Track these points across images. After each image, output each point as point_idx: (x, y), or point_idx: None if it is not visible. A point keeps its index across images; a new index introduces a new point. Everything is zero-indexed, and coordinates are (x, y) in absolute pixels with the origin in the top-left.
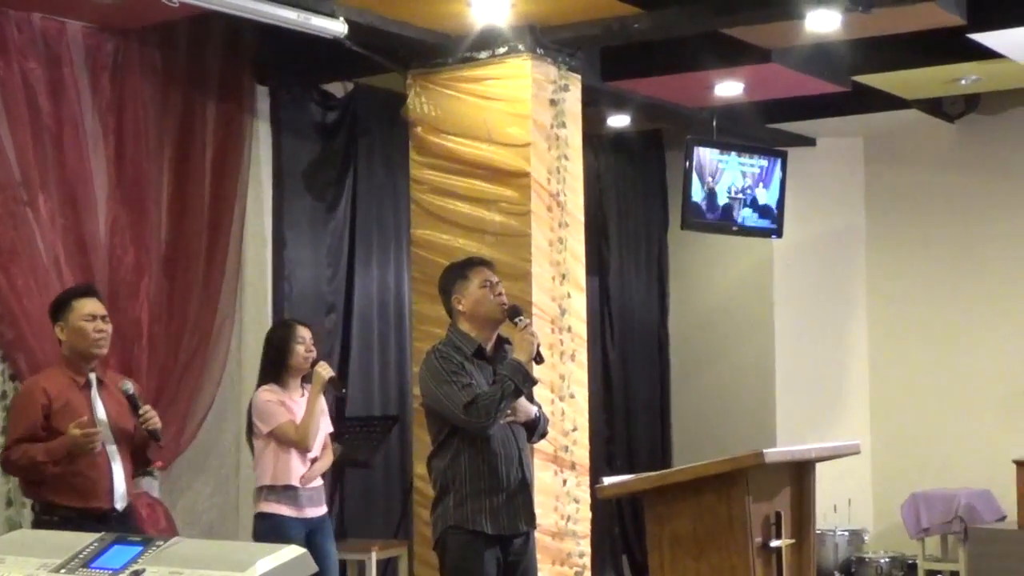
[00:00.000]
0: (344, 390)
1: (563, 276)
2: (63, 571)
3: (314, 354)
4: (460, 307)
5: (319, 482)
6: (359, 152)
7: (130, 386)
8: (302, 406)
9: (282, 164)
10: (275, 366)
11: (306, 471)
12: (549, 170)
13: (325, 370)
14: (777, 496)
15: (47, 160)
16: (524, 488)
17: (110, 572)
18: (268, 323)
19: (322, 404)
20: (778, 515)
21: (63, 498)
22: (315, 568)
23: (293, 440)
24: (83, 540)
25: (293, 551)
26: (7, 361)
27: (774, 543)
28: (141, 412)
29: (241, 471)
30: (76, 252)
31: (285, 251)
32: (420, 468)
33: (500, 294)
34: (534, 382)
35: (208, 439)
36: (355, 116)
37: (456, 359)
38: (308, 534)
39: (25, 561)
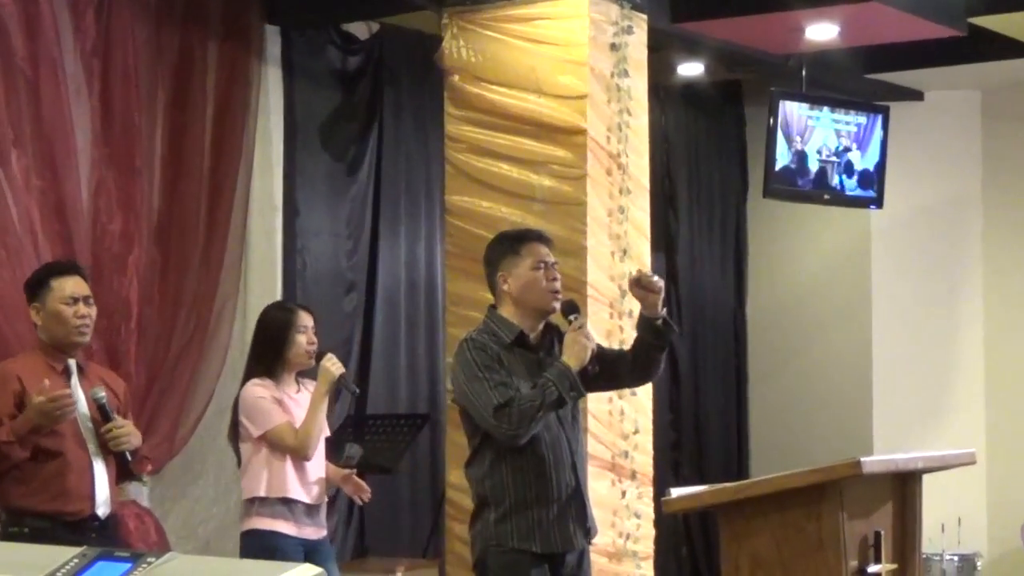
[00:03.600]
0: (356, 390)
1: (624, 251)
2: None
3: (316, 346)
4: (505, 287)
5: (323, 499)
6: (385, 104)
7: (102, 395)
8: (301, 403)
9: (295, 118)
10: (268, 356)
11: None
12: (609, 127)
13: (334, 365)
14: (876, 513)
15: (21, 110)
16: (578, 496)
17: None
18: None
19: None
20: (877, 535)
21: (34, 502)
22: None
23: (291, 446)
24: (61, 555)
25: (308, 570)
26: None
27: (872, 568)
28: (106, 427)
29: None
30: (54, 219)
31: (298, 220)
32: (455, 476)
33: (555, 279)
34: (582, 393)
35: (206, 440)
36: (381, 62)
37: (492, 349)
38: (305, 556)
39: None
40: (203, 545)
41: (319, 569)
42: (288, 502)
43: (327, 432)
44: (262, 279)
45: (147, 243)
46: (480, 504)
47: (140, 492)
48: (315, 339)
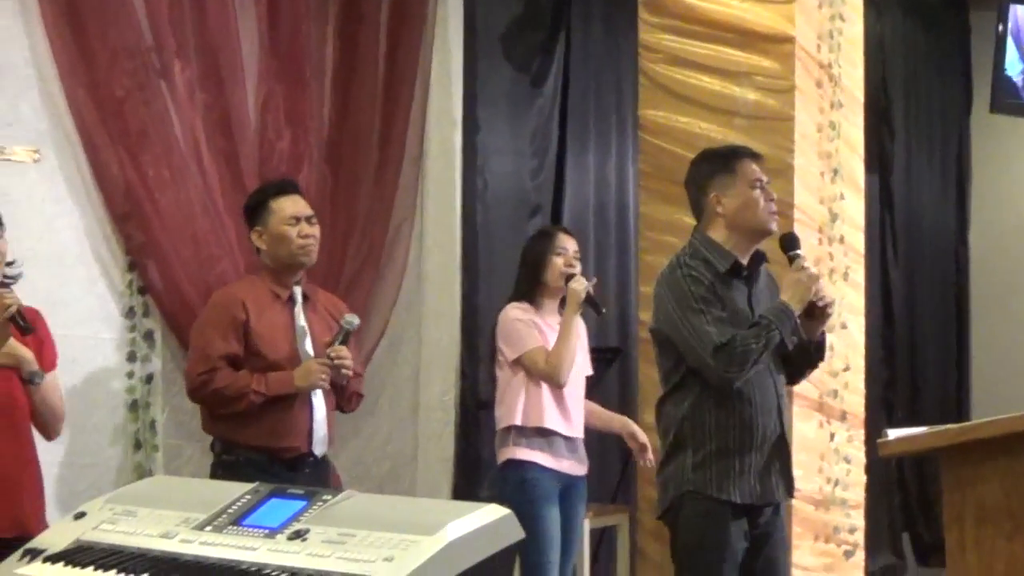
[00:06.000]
0: (603, 310)
1: (835, 172)
2: (208, 529)
3: (577, 269)
4: (719, 209)
5: (581, 433)
6: (573, 10)
7: (357, 322)
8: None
9: (475, 26)
10: (528, 283)
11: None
12: (819, 34)
13: (580, 284)
14: None
15: (184, 19)
16: (782, 446)
17: (266, 531)
18: (456, 227)
19: (581, 330)
20: None
21: (250, 436)
22: (522, 534)
23: (543, 371)
24: (234, 491)
25: (494, 511)
26: (136, 270)
27: None
28: (329, 349)
29: (421, 413)
30: (219, 135)
31: (478, 136)
32: (647, 415)
33: (772, 199)
34: (801, 338)
35: (380, 374)
36: None
37: (707, 278)
38: (562, 493)
39: (161, 515)
40: (377, 486)
41: (506, 511)
42: (545, 433)
43: (590, 370)
44: (439, 200)
45: (317, 161)
46: (675, 446)
47: None
48: (576, 261)
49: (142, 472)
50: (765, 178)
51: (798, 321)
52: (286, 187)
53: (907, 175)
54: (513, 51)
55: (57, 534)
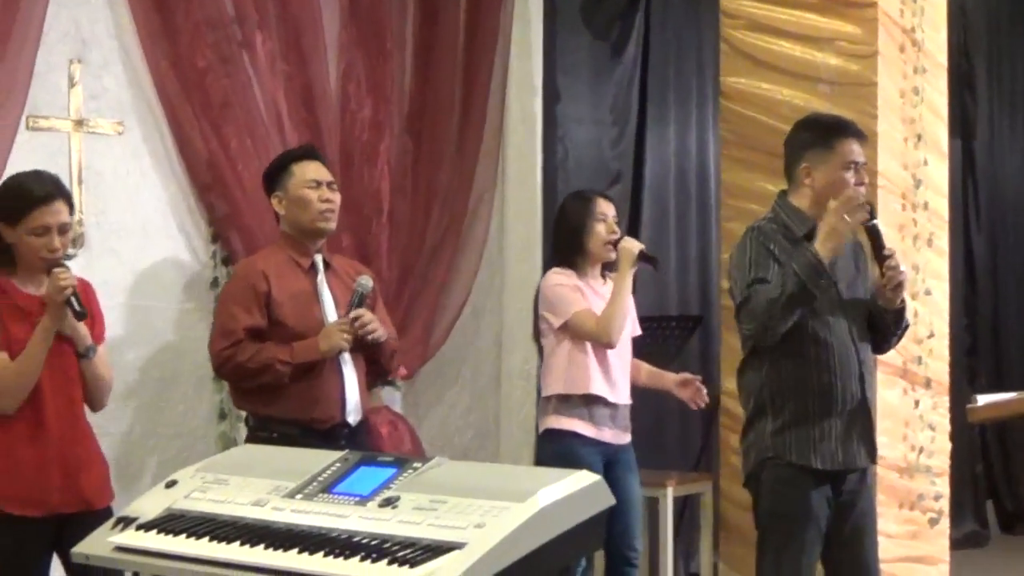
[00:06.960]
0: (658, 261)
1: (918, 137)
2: (299, 496)
3: (618, 236)
4: (807, 180)
5: (627, 399)
6: None
7: (370, 285)
8: (604, 297)
9: None
10: (568, 249)
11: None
12: None
13: (632, 244)
14: None
15: None
16: (864, 411)
17: (356, 499)
18: (537, 196)
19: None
20: None
21: (283, 410)
22: (613, 500)
23: (592, 333)
24: (323, 459)
25: (585, 477)
26: (219, 241)
27: None
28: (354, 314)
29: (503, 382)
30: (301, 106)
31: (558, 105)
32: (729, 383)
33: (863, 182)
34: (832, 282)
35: (462, 343)
36: None
37: (779, 242)
38: (606, 464)
39: (253, 483)
40: (460, 454)
41: (597, 477)
42: (589, 401)
43: (638, 331)
44: (520, 169)
45: (398, 131)
46: (756, 413)
47: (393, 398)
48: (617, 229)
49: (226, 442)
50: (862, 159)
51: (824, 264)
52: (306, 152)
53: (990, 140)
54: (593, 19)
55: (149, 502)
